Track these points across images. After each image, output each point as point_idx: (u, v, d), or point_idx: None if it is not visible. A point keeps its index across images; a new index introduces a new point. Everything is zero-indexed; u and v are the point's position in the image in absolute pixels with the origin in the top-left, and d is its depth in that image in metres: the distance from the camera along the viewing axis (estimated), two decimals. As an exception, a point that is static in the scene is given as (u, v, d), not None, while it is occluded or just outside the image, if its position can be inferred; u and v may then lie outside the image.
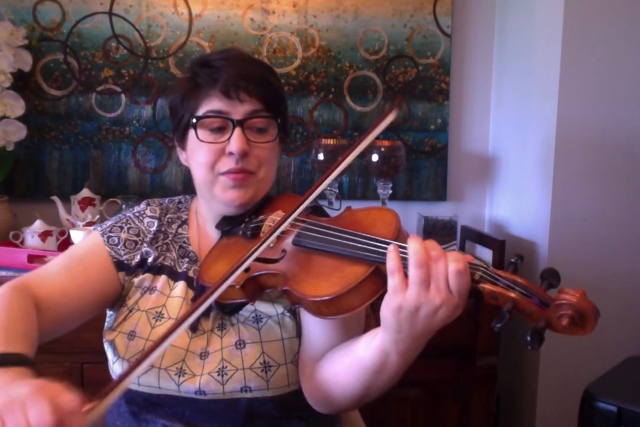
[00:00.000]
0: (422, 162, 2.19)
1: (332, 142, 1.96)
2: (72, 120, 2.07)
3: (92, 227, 1.76)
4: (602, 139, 1.80)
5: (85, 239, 1.16)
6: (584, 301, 0.74)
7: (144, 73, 2.08)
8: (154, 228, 1.15)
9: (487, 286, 0.78)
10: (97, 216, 1.94)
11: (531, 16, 1.95)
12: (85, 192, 1.98)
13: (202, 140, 1.05)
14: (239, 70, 1.04)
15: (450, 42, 2.16)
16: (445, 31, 2.15)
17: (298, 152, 2.16)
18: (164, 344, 0.81)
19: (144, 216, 1.16)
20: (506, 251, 1.85)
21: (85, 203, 1.96)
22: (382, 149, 1.96)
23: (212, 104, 1.04)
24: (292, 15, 2.10)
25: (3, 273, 1.67)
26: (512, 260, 0.81)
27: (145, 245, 1.13)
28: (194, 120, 1.05)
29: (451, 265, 0.78)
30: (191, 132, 1.07)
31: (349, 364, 0.92)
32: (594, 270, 1.82)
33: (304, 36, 2.12)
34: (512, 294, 0.76)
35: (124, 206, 1.93)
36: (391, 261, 0.81)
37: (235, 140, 1.03)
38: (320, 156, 1.95)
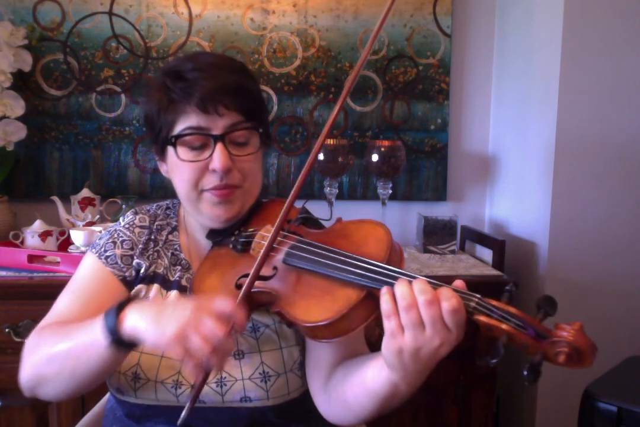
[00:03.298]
0: (422, 162, 2.19)
1: (332, 142, 1.96)
2: (72, 120, 2.07)
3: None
4: (602, 139, 1.80)
5: (82, 268, 1.10)
6: (581, 338, 0.73)
7: (144, 73, 2.08)
8: (144, 238, 1.12)
9: (482, 318, 0.75)
10: (97, 216, 1.94)
11: (531, 16, 1.95)
12: (85, 192, 1.98)
13: (183, 160, 1.01)
14: (214, 83, 0.99)
15: (450, 42, 2.15)
16: (445, 31, 2.15)
17: (298, 152, 2.15)
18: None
19: (134, 226, 1.13)
20: (506, 250, 1.86)
21: (85, 203, 1.96)
22: (382, 149, 1.96)
23: (189, 120, 0.99)
24: (292, 15, 2.10)
25: (3, 273, 1.67)
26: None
27: (135, 257, 1.10)
28: (173, 139, 1.01)
29: (445, 304, 0.76)
30: (170, 149, 1.03)
31: (361, 394, 0.91)
32: (593, 270, 1.82)
33: (304, 36, 2.11)
34: (508, 327, 0.74)
35: (124, 206, 1.93)
36: (385, 305, 0.79)
37: (217, 158, 0.99)
38: (320, 156, 1.95)
